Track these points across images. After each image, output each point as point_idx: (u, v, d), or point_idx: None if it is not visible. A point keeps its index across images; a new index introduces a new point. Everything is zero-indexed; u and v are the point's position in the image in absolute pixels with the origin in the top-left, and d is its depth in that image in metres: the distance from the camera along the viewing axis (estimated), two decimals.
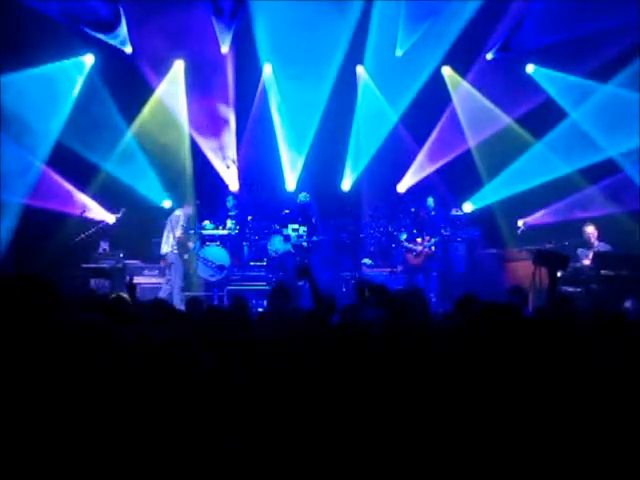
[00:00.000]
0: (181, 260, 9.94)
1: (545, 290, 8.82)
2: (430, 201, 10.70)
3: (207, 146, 11.55)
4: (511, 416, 2.45)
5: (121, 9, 10.48)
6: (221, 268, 10.11)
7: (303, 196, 10.74)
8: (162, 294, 9.49)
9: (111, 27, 10.57)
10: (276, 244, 10.39)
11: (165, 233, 10.04)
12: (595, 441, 2.42)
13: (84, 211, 10.34)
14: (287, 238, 10.34)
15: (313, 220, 10.56)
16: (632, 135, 10.17)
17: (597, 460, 2.33)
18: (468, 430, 2.36)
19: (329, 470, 2.33)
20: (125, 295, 4.72)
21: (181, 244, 9.96)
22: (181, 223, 10.04)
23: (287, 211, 10.67)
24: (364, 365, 2.52)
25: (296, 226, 10.41)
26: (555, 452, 2.38)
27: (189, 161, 11.50)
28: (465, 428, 2.37)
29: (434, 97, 11.32)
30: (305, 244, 10.29)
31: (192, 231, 10.27)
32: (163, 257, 10.04)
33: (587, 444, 2.41)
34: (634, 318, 5.01)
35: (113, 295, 4.65)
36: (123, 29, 10.65)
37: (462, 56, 11.20)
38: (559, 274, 8.22)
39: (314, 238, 10.37)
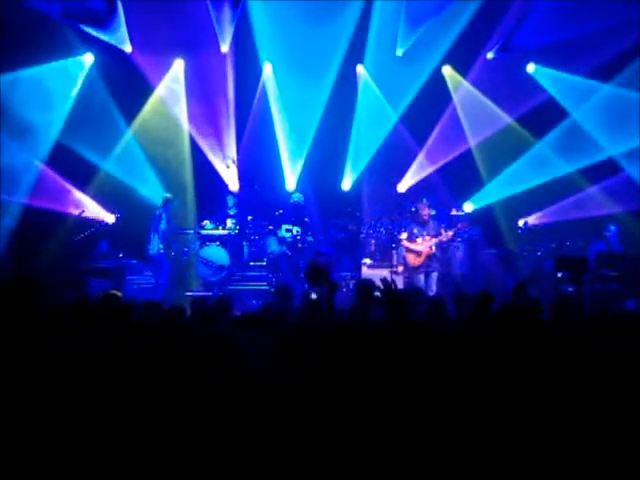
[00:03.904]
0: (166, 259, 10.03)
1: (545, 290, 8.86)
2: (424, 202, 10.59)
3: (207, 146, 11.54)
4: (512, 416, 2.44)
5: (121, 8, 10.47)
6: (221, 268, 10.09)
7: (297, 196, 10.73)
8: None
9: (110, 26, 10.57)
10: (272, 246, 10.38)
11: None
12: (599, 439, 2.41)
13: (83, 211, 10.33)
14: (282, 240, 10.32)
15: (307, 220, 10.54)
16: (633, 135, 10.18)
17: (607, 460, 2.32)
18: (471, 430, 2.36)
19: (329, 471, 2.32)
20: (118, 293, 4.72)
21: (165, 242, 10.06)
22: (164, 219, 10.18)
23: (281, 211, 10.65)
24: (366, 365, 2.51)
25: (290, 226, 10.38)
26: (558, 452, 2.38)
27: (189, 161, 11.50)
28: (468, 428, 2.36)
29: (434, 97, 11.32)
30: (300, 245, 10.27)
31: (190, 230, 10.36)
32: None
33: (590, 442, 2.40)
34: (635, 318, 4.99)
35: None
36: (123, 28, 10.65)
37: (462, 56, 11.20)
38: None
39: (308, 238, 10.35)
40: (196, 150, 11.52)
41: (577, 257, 8.09)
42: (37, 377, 2.57)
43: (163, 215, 10.25)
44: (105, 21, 10.53)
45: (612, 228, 9.65)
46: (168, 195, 10.54)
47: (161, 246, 10.06)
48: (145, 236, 10.30)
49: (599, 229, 9.77)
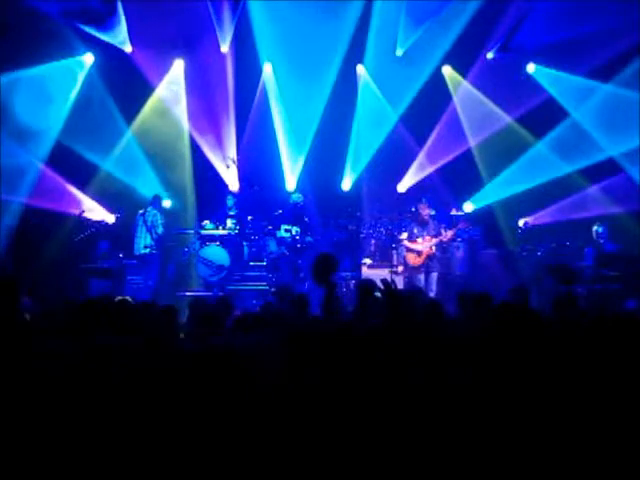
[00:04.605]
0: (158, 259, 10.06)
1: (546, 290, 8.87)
2: (424, 202, 10.57)
3: (207, 146, 11.54)
4: (512, 417, 2.44)
5: (121, 8, 10.47)
6: (221, 268, 10.08)
7: (296, 197, 10.70)
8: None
9: (110, 26, 10.57)
10: (271, 246, 10.38)
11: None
12: (599, 441, 2.41)
13: (83, 211, 10.32)
14: (281, 240, 10.31)
15: (306, 220, 10.53)
16: (632, 135, 10.17)
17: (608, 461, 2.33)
18: (472, 429, 2.36)
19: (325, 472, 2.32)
20: (129, 299, 4.70)
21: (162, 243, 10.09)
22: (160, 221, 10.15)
23: (280, 211, 10.64)
24: (368, 366, 2.51)
25: (289, 226, 10.37)
26: (557, 451, 2.38)
27: (189, 161, 11.50)
28: (469, 427, 2.37)
29: (434, 97, 11.32)
30: (299, 245, 10.26)
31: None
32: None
33: (590, 444, 2.40)
34: (635, 318, 4.98)
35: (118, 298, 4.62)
36: (123, 28, 10.65)
37: (462, 56, 11.20)
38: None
39: (308, 238, 10.34)
40: (196, 150, 11.52)
41: (568, 269, 8.10)
42: (32, 379, 2.57)
43: (158, 215, 10.20)
44: (105, 21, 10.53)
45: (599, 229, 9.60)
46: (158, 193, 10.59)
47: (154, 246, 10.02)
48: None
49: (588, 232, 9.73)
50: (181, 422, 2.36)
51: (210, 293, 9.89)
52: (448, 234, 9.67)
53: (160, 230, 10.08)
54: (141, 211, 10.24)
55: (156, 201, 10.41)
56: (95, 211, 10.58)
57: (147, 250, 10.03)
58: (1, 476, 2.32)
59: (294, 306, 5.31)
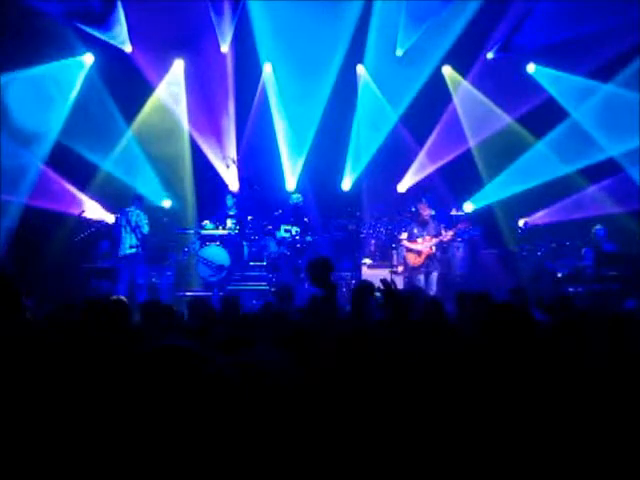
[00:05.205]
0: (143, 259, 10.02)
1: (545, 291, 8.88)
2: (424, 202, 10.55)
3: (207, 145, 11.54)
4: (511, 417, 2.44)
5: (120, 8, 10.47)
6: (221, 268, 10.08)
7: (296, 197, 10.70)
8: None
9: (110, 26, 10.58)
10: (271, 247, 10.38)
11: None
12: (596, 443, 2.41)
13: (83, 211, 10.32)
14: (281, 241, 10.31)
15: (306, 220, 10.53)
16: (632, 135, 10.17)
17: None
18: (473, 434, 2.36)
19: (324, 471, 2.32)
20: (124, 298, 4.70)
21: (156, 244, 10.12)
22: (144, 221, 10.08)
23: (280, 211, 10.64)
24: (368, 367, 2.51)
25: (289, 226, 10.37)
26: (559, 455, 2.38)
27: (189, 161, 11.50)
28: (470, 431, 2.36)
29: (434, 97, 11.32)
30: (299, 245, 10.26)
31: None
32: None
33: (588, 446, 2.40)
34: (635, 318, 4.98)
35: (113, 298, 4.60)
36: (123, 28, 10.65)
37: (462, 56, 11.20)
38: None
39: (307, 238, 10.34)
40: (196, 150, 11.52)
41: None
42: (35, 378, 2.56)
43: (142, 215, 10.11)
44: (105, 21, 10.53)
45: (599, 231, 9.62)
46: (139, 193, 10.50)
47: (139, 245, 9.91)
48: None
49: (587, 232, 9.75)
50: (184, 429, 2.36)
51: (210, 293, 9.90)
52: (448, 234, 9.66)
53: (146, 230, 9.95)
54: (127, 209, 10.18)
55: (137, 201, 10.24)
56: (95, 211, 10.56)
57: (133, 250, 9.88)
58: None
59: (310, 307, 5.25)
